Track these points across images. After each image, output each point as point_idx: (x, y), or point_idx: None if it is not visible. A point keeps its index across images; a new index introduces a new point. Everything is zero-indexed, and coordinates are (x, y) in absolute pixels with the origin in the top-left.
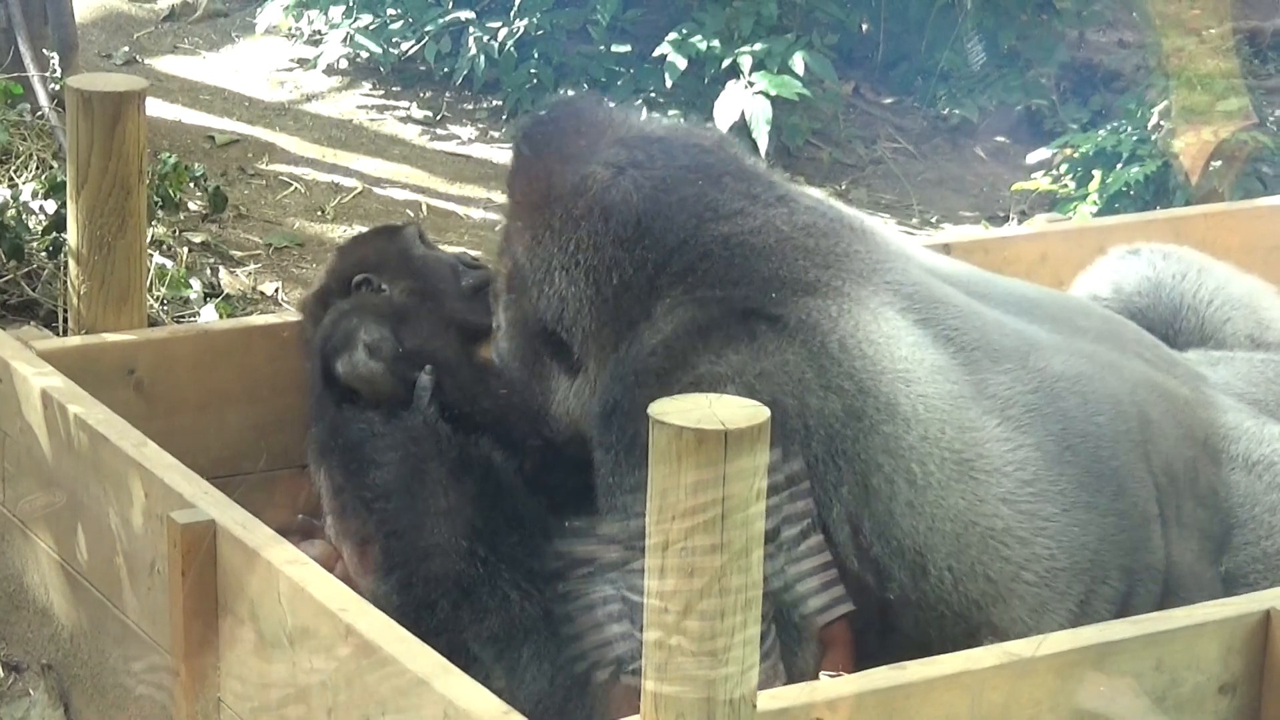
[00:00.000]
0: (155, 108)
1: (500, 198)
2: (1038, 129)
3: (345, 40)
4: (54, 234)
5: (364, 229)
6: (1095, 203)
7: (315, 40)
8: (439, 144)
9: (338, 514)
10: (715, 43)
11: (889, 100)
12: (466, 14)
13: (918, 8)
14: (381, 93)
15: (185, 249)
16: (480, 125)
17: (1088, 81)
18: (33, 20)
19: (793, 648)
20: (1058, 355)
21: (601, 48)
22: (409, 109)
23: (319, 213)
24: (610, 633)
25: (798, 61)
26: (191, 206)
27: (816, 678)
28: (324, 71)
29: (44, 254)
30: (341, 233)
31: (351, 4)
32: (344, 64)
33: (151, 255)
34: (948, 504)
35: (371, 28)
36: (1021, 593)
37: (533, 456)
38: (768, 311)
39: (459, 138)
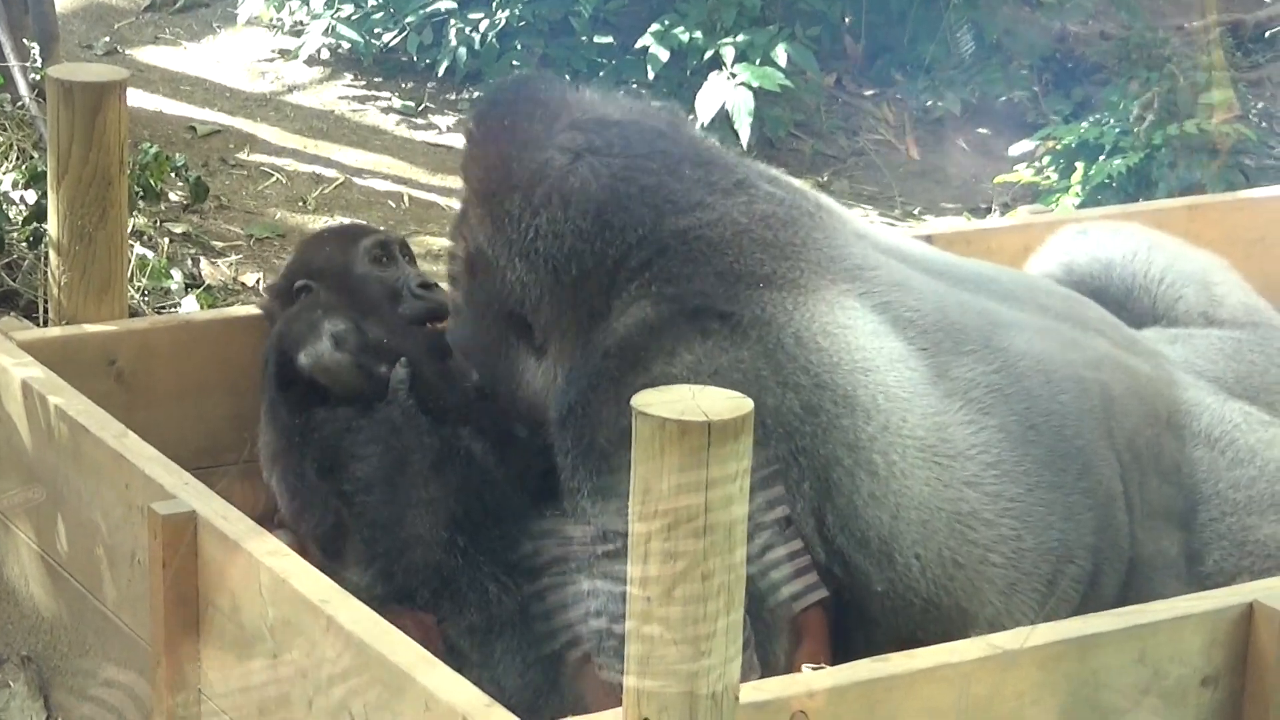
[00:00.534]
0: (136, 98)
1: None
2: (1020, 121)
3: (326, 31)
4: (34, 224)
5: (346, 220)
6: (1078, 194)
7: (296, 31)
8: (420, 135)
9: (298, 512)
10: (698, 34)
11: (871, 92)
12: (448, 5)
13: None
14: (363, 83)
15: (166, 239)
16: (462, 116)
17: (1070, 74)
18: (13, 10)
19: (766, 637)
20: (1021, 334)
21: (584, 39)
22: (390, 100)
23: (300, 203)
24: (579, 627)
25: (780, 53)
26: (172, 197)
27: (793, 667)
28: (305, 62)
29: (24, 244)
30: (323, 223)
31: None
32: (325, 55)
33: (132, 246)
34: (912, 492)
35: (353, 18)
36: (990, 574)
37: (507, 446)
38: (721, 309)
39: (440, 128)
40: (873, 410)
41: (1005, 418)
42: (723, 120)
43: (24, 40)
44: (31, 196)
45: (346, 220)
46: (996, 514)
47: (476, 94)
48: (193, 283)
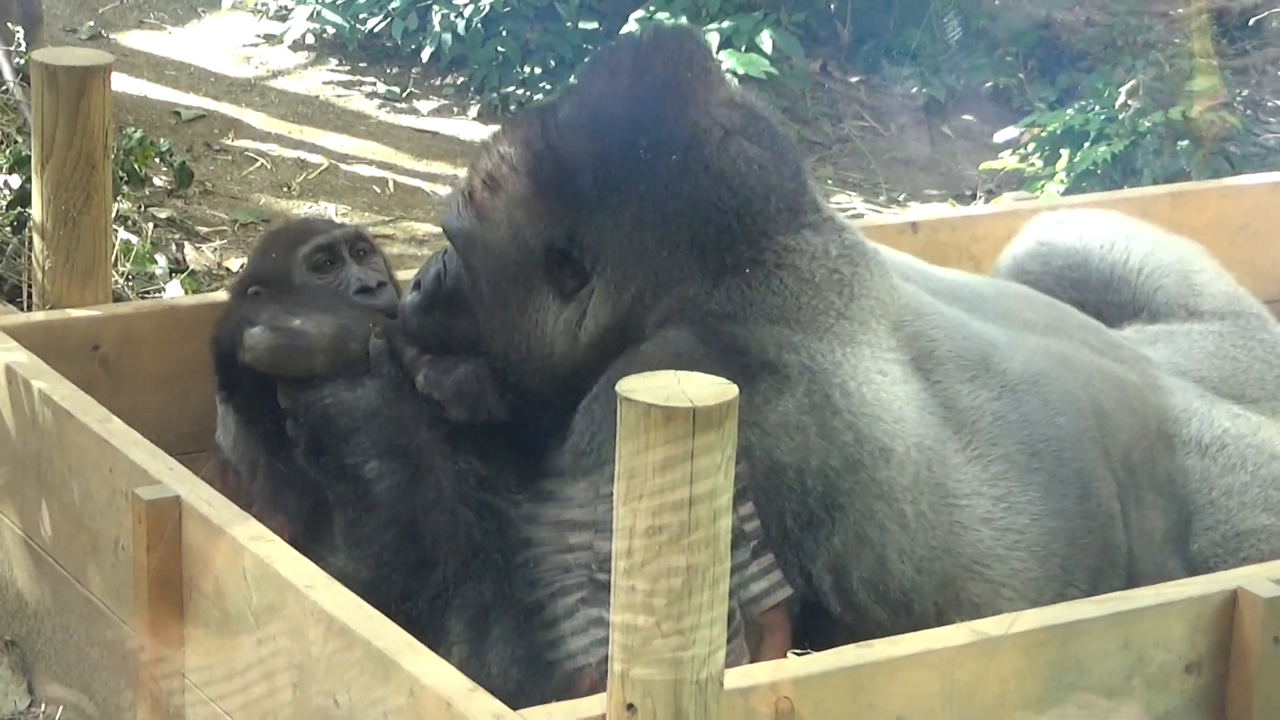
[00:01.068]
0: (121, 83)
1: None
2: (1005, 108)
3: (311, 16)
4: (18, 209)
5: (329, 205)
6: (1062, 182)
7: (281, 16)
8: (405, 120)
9: (269, 497)
10: (683, 20)
11: (856, 79)
12: None
13: None
14: (347, 69)
15: (150, 224)
16: (446, 101)
17: (1055, 60)
18: None
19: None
20: (1015, 355)
21: (569, 24)
22: (375, 85)
23: (284, 189)
24: (577, 620)
25: (765, 39)
26: (157, 182)
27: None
28: (290, 47)
29: (8, 229)
30: (308, 209)
31: None
32: (310, 40)
33: (116, 231)
34: (936, 541)
35: (338, 3)
36: (1000, 608)
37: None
38: (771, 357)
39: (425, 114)
40: (906, 462)
41: (1009, 447)
42: None
43: (8, 24)
44: (15, 181)
45: (327, 207)
46: (1007, 548)
47: (461, 79)
48: (177, 268)
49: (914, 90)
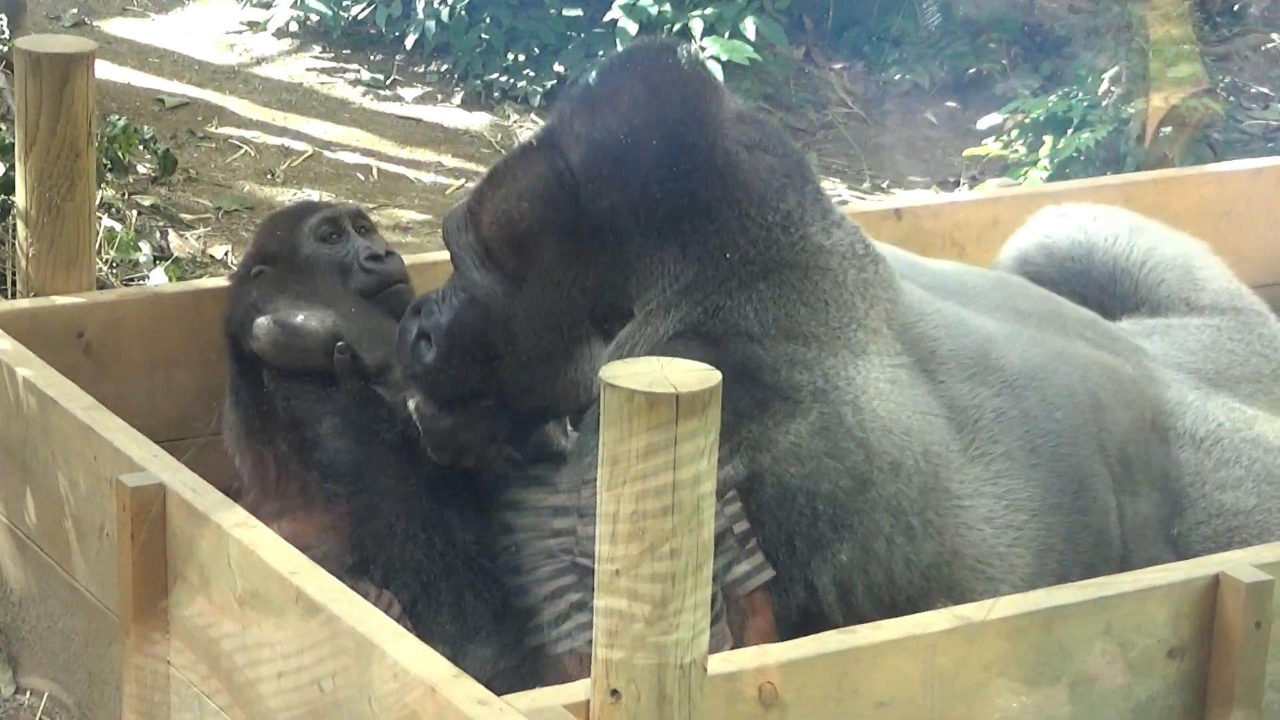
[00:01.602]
0: (104, 70)
1: (450, 162)
2: (989, 94)
3: (295, 3)
4: (2, 196)
5: (313, 193)
6: (1046, 168)
7: (265, 3)
8: (389, 107)
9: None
10: (666, 7)
11: (840, 65)
12: None
13: None
14: (331, 56)
15: (134, 212)
16: (430, 88)
17: (1039, 47)
18: None
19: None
20: (1012, 349)
21: (552, 11)
22: (359, 72)
23: (269, 176)
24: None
25: (749, 26)
26: (141, 169)
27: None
28: (274, 35)
29: None
30: (292, 196)
31: None
32: (294, 27)
33: (100, 218)
34: (943, 546)
35: None
36: None
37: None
38: (783, 380)
39: (409, 101)
40: (914, 473)
41: (1010, 444)
42: None
43: None
44: None
45: (311, 195)
46: (1008, 545)
47: (445, 67)
48: (161, 255)
49: (897, 77)
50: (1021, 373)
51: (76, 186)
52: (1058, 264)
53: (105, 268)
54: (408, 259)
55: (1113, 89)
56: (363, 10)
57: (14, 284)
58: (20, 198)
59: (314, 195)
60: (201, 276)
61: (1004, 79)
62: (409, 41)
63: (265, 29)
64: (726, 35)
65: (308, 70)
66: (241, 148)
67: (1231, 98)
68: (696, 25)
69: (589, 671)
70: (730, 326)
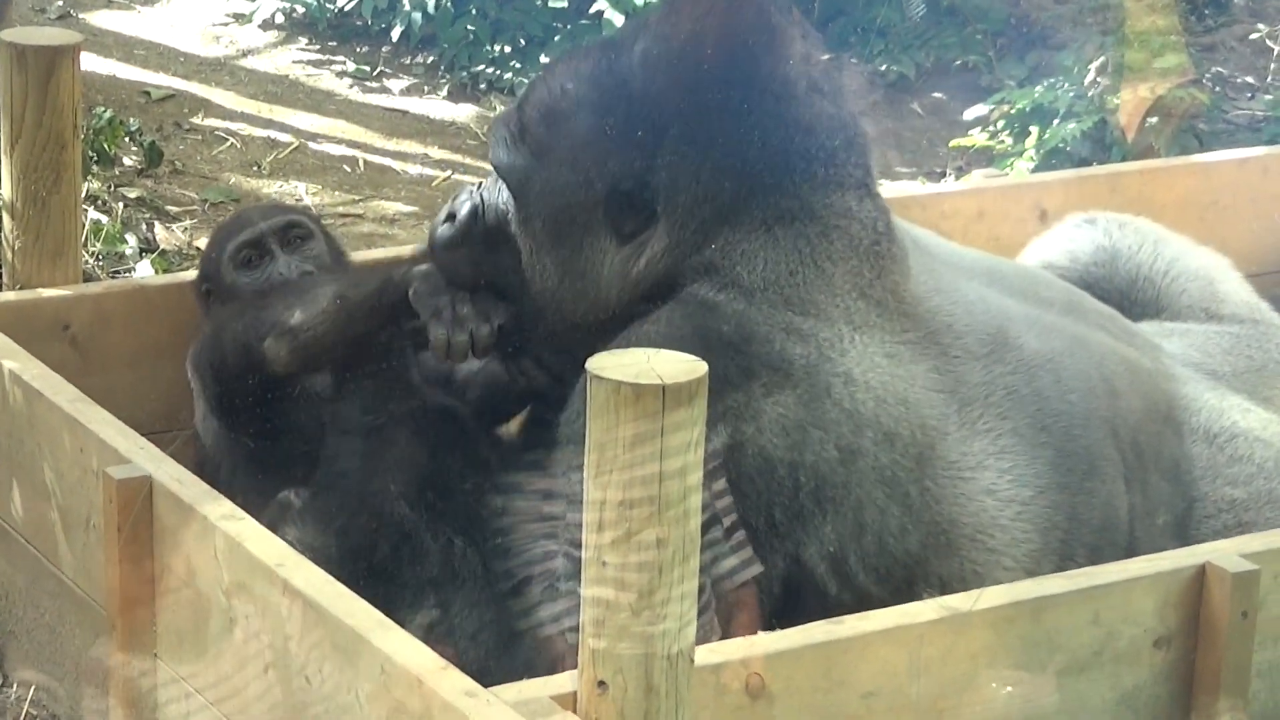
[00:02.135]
0: (90, 63)
1: (437, 153)
2: (975, 85)
3: None
4: None
5: (299, 184)
6: (1032, 159)
7: None
8: (375, 99)
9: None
10: None
11: (826, 56)
12: None
13: None
14: (317, 48)
15: (120, 204)
16: (416, 80)
17: (1025, 38)
18: None
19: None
20: (1031, 331)
21: (538, 3)
22: (345, 64)
23: (255, 168)
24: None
25: None
26: (127, 162)
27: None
28: (260, 26)
29: None
30: (277, 188)
31: None
32: (280, 19)
33: (86, 210)
34: (941, 514)
35: None
36: (1000, 577)
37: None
38: (776, 348)
39: (395, 93)
40: (911, 444)
41: (1019, 420)
42: None
43: None
44: None
45: (297, 186)
46: (1010, 519)
47: (431, 58)
48: (147, 248)
49: (883, 68)
50: (1038, 354)
51: (62, 179)
52: (1081, 267)
53: (91, 260)
54: (393, 251)
55: (1098, 80)
56: (348, 2)
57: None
58: (6, 190)
59: (300, 187)
60: (188, 269)
61: (990, 70)
62: (395, 33)
63: (251, 21)
64: None
65: (294, 62)
66: (227, 140)
67: (1217, 88)
68: None
69: (573, 653)
70: (733, 278)
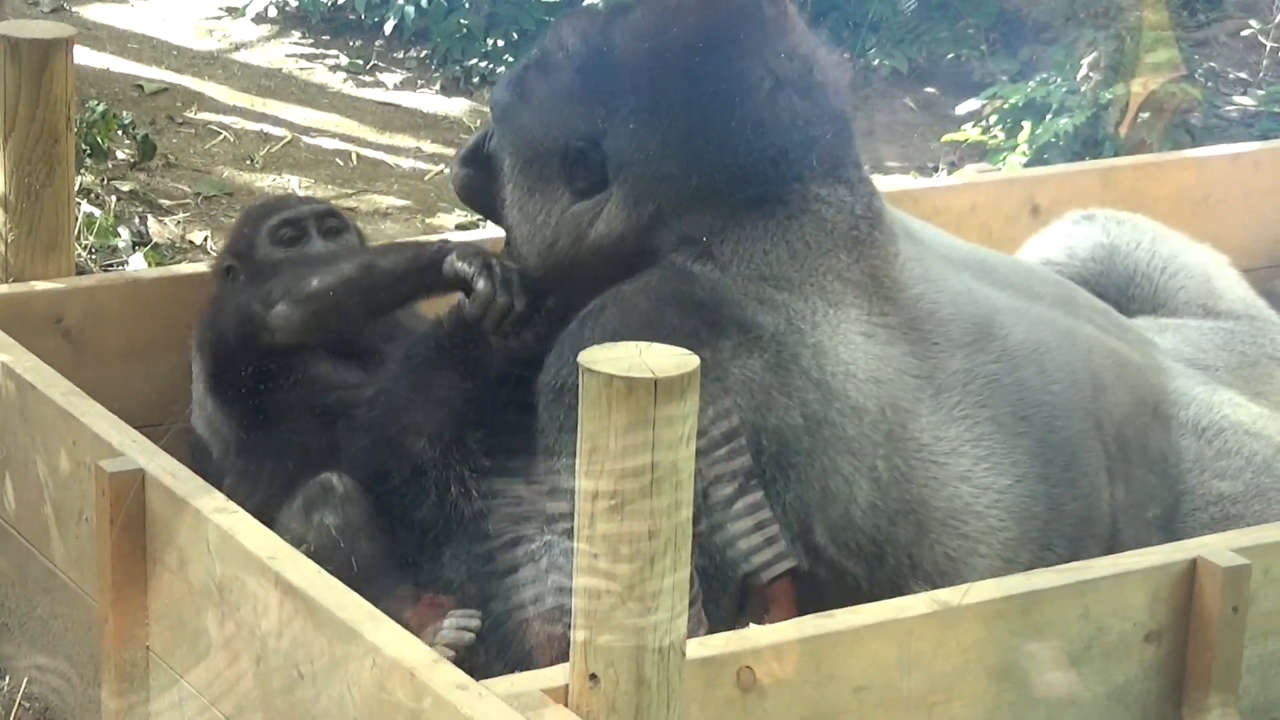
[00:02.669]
0: (83, 56)
1: (429, 147)
2: (967, 80)
3: None
4: None
5: (292, 178)
6: (1024, 153)
7: None
8: (368, 93)
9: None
10: None
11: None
12: None
13: None
14: (310, 41)
15: (113, 197)
16: (410, 74)
17: (1017, 33)
18: None
19: (733, 606)
20: (1018, 323)
21: None
22: (338, 58)
23: (248, 161)
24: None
25: None
26: (120, 155)
27: None
28: (253, 20)
29: None
30: (270, 182)
31: None
32: (273, 13)
33: (79, 203)
34: (911, 495)
35: None
36: (977, 565)
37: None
38: (747, 316)
39: (388, 86)
40: (879, 420)
41: (999, 409)
42: None
43: None
44: None
45: (290, 180)
46: (986, 506)
47: (424, 52)
48: (140, 241)
49: (876, 62)
50: (1023, 345)
51: (55, 172)
52: (1079, 264)
53: (84, 253)
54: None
55: (1091, 74)
56: None
57: None
58: None
59: (293, 181)
60: (181, 262)
61: (982, 65)
62: (388, 27)
63: (244, 14)
64: None
65: (287, 56)
66: (220, 133)
67: (1209, 83)
68: None
69: (556, 638)
70: (707, 251)
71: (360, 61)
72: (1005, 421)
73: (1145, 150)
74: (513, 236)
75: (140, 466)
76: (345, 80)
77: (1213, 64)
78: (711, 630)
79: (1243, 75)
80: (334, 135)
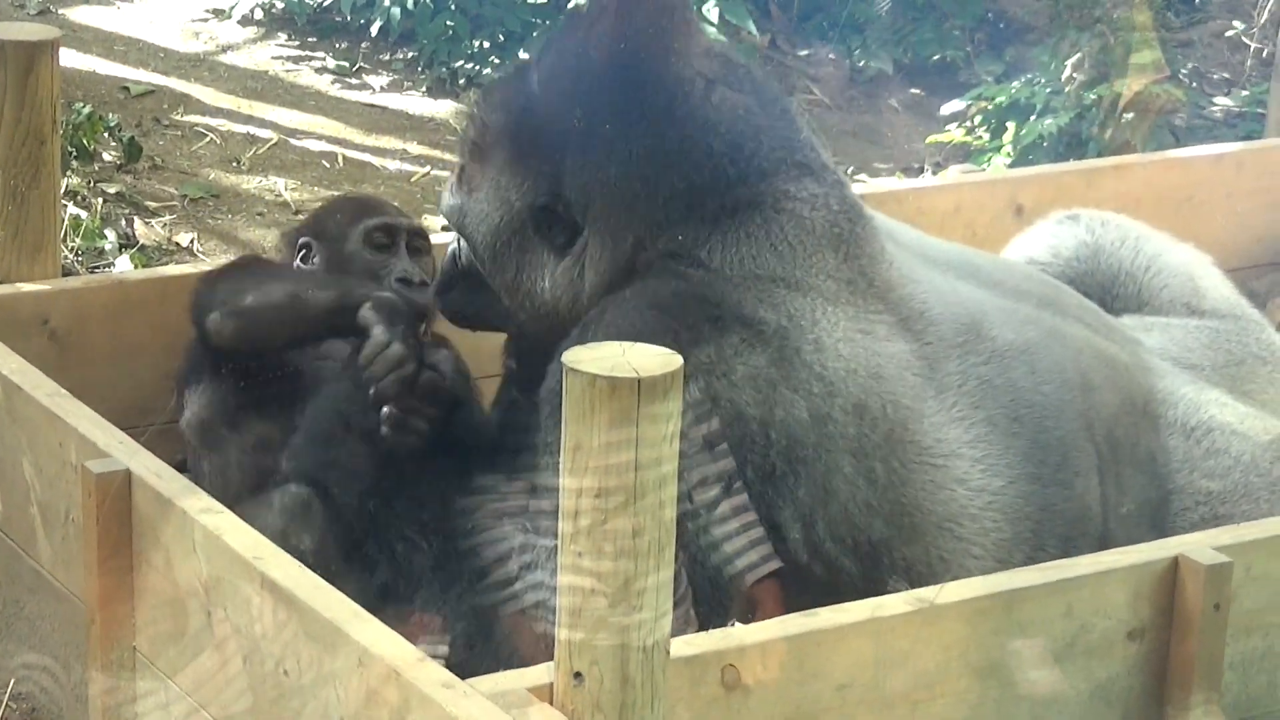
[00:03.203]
0: (69, 58)
1: (415, 149)
2: (952, 81)
3: None
4: None
5: (279, 180)
6: (1009, 154)
7: None
8: (354, 95)
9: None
10: None
11: (805, 52)
12: None
13: None
14: (297, 44)
15: (100, 199)
16: (396, 76)
17: (1001, 34)
18: None
19: (720, 607)
20: (1008, 323)
21: None
22: (325, 60)
23: (234, 164)
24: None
25: (714, 12)
26: (106, 157)
27: None
28: (239, 22)
29: None
30: (257, 184)
31: None
32: (259, 15)
33: (66, 205)
34: (908, 498)
35: None
36: (970, 566)
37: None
38: (747, 312)
39: (374, 88)
40: (880, 419)
41: (993, 410)
42: None
43: None
44: None
45: (276, 182)
46: (980, 508)
47: (410, 54)
48: (126, 243)
49: (861, 64)
50: (1013, 345)
51: (41, 174)
52: (1063, 264)
53: (71, 255)
54: None
55: (1075, 75)
56: None
57: None
58: None
59: (279, 183)
60: (167, 264)
61: (967, 66)
62: (374, 29)
63: (230, 16)
64: None
65: (273, 58)
66: (207, 135)
67: (1193, 84)
68: None
69: (539, 633)
70: (696, 260)
71: (346, 63)
72: (1000, 423)
73: (1129, 151)
74: (522, 320)
75: (126, 467)
76: (331, 82)
77: (1196, 65)
78: (701, 630)
79: (1226, 76)
80: (320, 137)
